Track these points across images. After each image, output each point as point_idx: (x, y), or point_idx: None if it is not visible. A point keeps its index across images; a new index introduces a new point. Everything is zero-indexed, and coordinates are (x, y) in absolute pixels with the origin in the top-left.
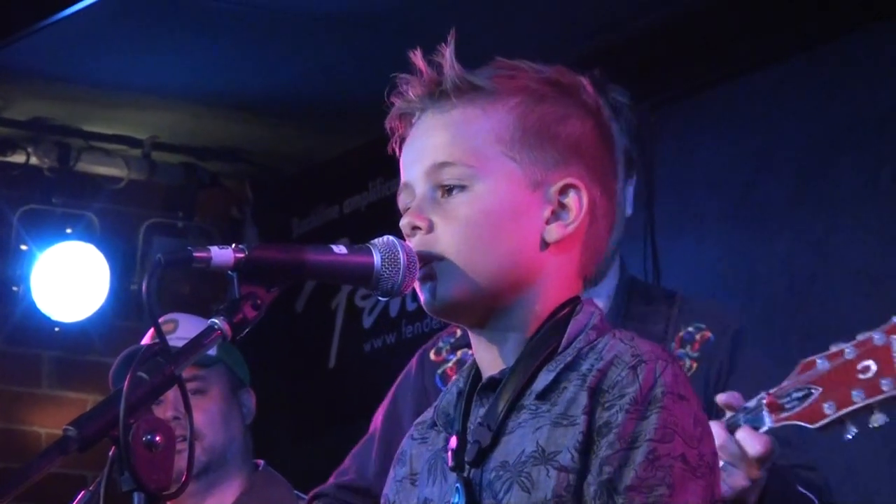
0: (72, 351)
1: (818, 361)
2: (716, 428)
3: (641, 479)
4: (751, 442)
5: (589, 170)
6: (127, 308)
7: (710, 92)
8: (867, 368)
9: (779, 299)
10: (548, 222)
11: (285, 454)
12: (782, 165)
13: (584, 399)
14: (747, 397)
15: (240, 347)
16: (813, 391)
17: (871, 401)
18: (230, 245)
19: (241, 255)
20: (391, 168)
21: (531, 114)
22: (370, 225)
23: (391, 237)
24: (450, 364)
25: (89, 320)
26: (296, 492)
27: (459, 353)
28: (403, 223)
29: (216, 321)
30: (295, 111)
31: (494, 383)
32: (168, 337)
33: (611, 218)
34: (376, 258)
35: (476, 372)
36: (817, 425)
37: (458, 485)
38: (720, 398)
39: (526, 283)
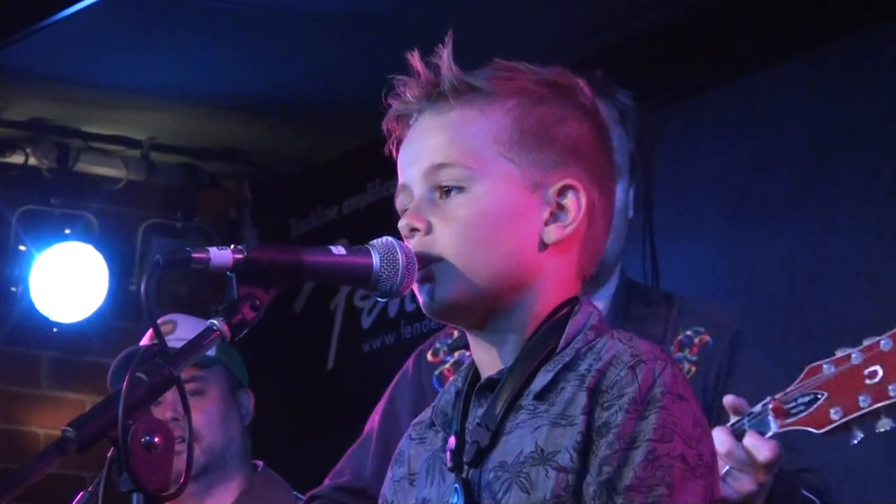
0: (70, 351)
1: (824, 366)
2: (722, 434)
3: (641, 479)
4: (759, 448)
5: (587, 171)
6: (126, 309)
7: (709, 92)
8: (874, 373)
9: (779, 300)
10: (546, 223)
11: (284, 455)
12: (782, 165)
13: (582, 399)
14: (747, 398)
15: (239, 348)
16: (819, 396)
17: (877, 406)
18: (229, 246)
19: (240, 256)
20: (390, 169)
21: (529, 115)
22: (369, 226)
23: (390, 238)
24: (447, 365)
25: (88, 321)
26: (295, 492)
27: (457, 354)
28: (402, 224)
29: (215, 322)
30: (294, 112)
31: (493, 384)
32: (167, 338)
33: (609, 219)
34: (375, 259)
35: (474, 372)
36: (824, 430)
37: (456, 485)
38: (727, 400)
39: (524, 285)
